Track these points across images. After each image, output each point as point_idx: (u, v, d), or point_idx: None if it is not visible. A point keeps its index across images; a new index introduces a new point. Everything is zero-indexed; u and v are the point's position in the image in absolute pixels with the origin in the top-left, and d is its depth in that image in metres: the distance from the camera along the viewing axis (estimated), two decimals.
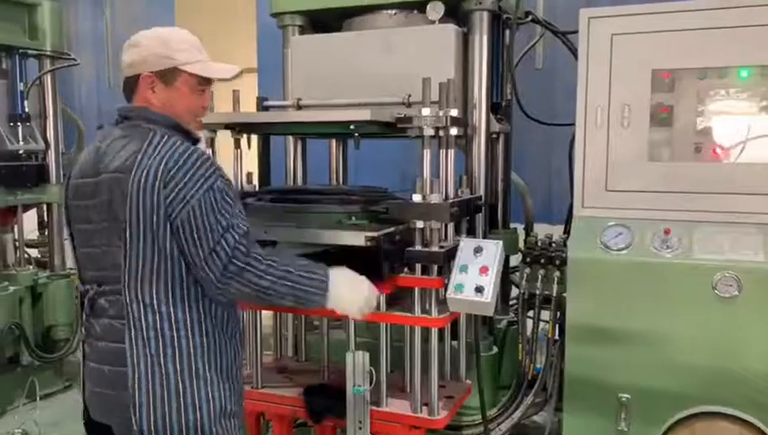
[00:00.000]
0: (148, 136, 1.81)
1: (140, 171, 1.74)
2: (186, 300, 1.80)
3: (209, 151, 2.62)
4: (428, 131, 2.32)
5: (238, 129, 2.71)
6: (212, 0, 6.31)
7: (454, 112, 2.38)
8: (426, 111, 2.31)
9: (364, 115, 2.26)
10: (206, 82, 1.96)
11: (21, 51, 4.24)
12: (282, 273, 1.79)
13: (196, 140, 1.98)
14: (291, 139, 3.14)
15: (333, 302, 1.88)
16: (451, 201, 2.35)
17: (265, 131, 2.90)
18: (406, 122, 2.37)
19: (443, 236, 2.37)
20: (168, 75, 1.90)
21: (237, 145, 2.79)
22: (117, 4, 6.48)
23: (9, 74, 4.28)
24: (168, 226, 1.75)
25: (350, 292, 1.92)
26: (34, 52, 4.28)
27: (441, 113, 2.34)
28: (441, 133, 2.39)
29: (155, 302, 1.77)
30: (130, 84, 1.92)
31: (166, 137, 1.81)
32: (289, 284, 1.80)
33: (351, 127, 2.38)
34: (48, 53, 4.31)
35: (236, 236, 1.76)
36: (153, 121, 1.87)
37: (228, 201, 1.79)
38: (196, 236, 1.75)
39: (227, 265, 1.73)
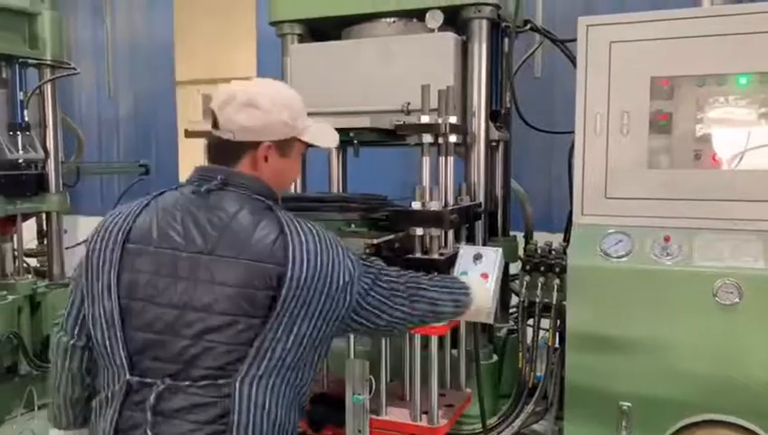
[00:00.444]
0: (276, 216, 1.59)
1: (305, 265, 1.51)
2: (294, 401, 1.60)
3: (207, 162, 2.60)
4: (428, 138, 2.32)
5: None
6: (212, 10, 6.33)
7: (453, 119, 2.38)
8: (425, 119, 2.31)
9: (363, 122, 2.26)
10: (309, 147, 1.79)
11: (21, 60, 4.24)
12: (435, 283, 1.78)
13: None
14: None
15: (475, 302, 1.90)
16: (450, 208, 2.35)
17: None
18: (405, 130, 2.37)
19: (442, 244, 2.36)
20: (286, 145, 1.68)
21: None
22: (117, 14, 6.49)
23: (9, 83, 4.28)
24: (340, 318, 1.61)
25: (480, 290, 1.96)
26: (34, 61, 4.28)
27: (440, 120, 2.34)
28: (440, 140, 2.39)
29: (266, 403, 1.52)
30: (236, 148, 1.65)
31: (282, 211, 1.62)
32: (445, 290, 1.80)
33: (351, 134, 2.37)
34: (48, 62, 4.31)
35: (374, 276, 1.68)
36: (262, 194, 1.64)
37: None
38: (376, 310, 1.66)
39: (405, 300, 1.69)
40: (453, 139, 2.41)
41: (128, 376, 1.53)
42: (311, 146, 1.78)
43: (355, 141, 2.57)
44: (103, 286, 1.58)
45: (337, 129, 2.39)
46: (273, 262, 1.51)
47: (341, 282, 1.57)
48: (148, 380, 1.52)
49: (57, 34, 4.37)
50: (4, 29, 4.10)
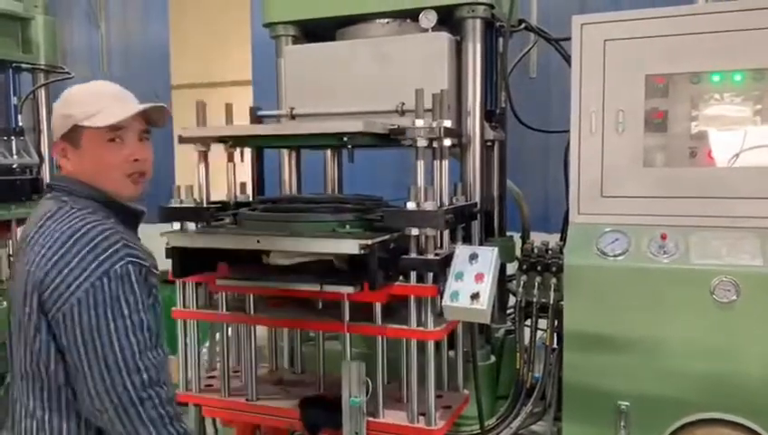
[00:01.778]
0: (54, 208, 1.62)
1: (29, 252, 1.55)
2: (67, 407, 1.56)
3: (201, 167, 2.58)
4: (422, 142, 2.30)
5: (231, 142, 2.70)
6: (207, 13, 6.32)
7: (447, 123, 2.37)
8: (419, 123, 2.30)
9: (357, 127, 2.25)
10: (115, 129, 1.69)
11: (14, 64, 4.23)
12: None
13: (131, 213, 1.76)
14: (285, 149, 3.12)
15: None
16: (446, 208, 2.34)
17: (258, 144, 2.89)
18: (399, 134, 2.35)
19: (438, 244, 2.35)
20: (75, 137, 1.69)
21: (231, 159, 2.78)
22: (112, 18, 6.48)
23: (3, 88, 4.27)
24: (45, 324, 1.52)
25: None
26: (28, 65, 4.27)
27: (435, 124, 2.32)
28: (435, 144, 2.37)
29: (31, 405, 1.57)
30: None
31: (73, 210, 1.61)
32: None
33: (344, 139, 2.36)
34: (42, 66, 4.30)
35: (144, 377, 1.50)
36: (71, 192, 1.67)
37: (131, 294, 1.52)
38: (81, 347, 1.49)
39: (127, 409, 1.49)
40: (447, 142, 2.40)
41: None
42: (117, 128, 1.70)
43: (349, 146, 2.56)
44: None
45: (330, 133, 2.39)
46: None
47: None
48: None
49: (51, 39, 4.36)
50: None
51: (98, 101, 1.69)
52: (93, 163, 1.70)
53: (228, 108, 2.80)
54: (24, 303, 1.55)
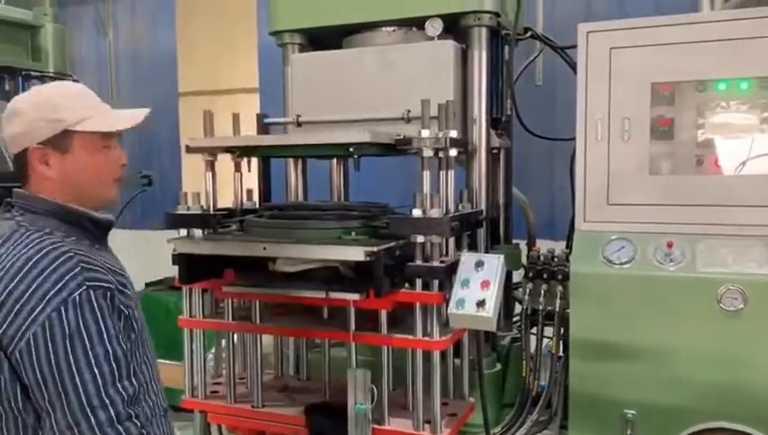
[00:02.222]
0: (8, 232, 1.52)
1: None
2: None
3: (209, 175, 2.59)
4: (428, 153, 2.31)
5: (238, 152, 2.71)
6: (214, 21, 6.36)
7: (453, 133, 2.37)
8: (425, 133, 2.30)
9: (363, 137, 2.26)
10: (109, 136, 1.65)
11: (24, 72, 4.29)
12: None
13: (101, 225, 1.64)
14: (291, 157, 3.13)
15: None
16: (451, 215, 2.34)
17: (265, 154, 2.90)
18: (405, 144, 2.36)
19: (444, 251, 2.35)
20: (63, 142, 1.58)
21: (238, 168, 2.79)
22: (120, 26, 6.54)
23: (11, 95, 4.31)
24: (6, 362, 1.40)
25: None
26: (37, 73, 4.33)
27: (441, 134, 2.32)
28: (441, 154, 2.37)
29: None
30: (19, 163, 1.61)
31: (28, 233, 1.50)
32: None
33: (351, 149, 2.37)
34: (51, 74, 4.36)
35: (111, 413, 1.38)
36: (29, 210, 1.56)
37: (93, 323, 1.40)
38: (42, 384, 1.38)
39: None
40: (453, 152, 2.40)
41: None
42: (110, 134, 1.65)
43: (355, 157, 2.58)
44: None
45: (337, 144, 2.40)
46: None
47: None
48: None
49: (60, 47, 4.42)
50: (6, 41, 4.14)
51: (87, 105, 1.64)
52: (85, 169, 1.61)
53: (235, 118, 2.82)
54: None
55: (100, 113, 1.65)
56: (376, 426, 2.35)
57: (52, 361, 1.38)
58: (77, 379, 1.38)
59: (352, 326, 2.35)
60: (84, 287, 1.42)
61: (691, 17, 2.53)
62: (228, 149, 2.67)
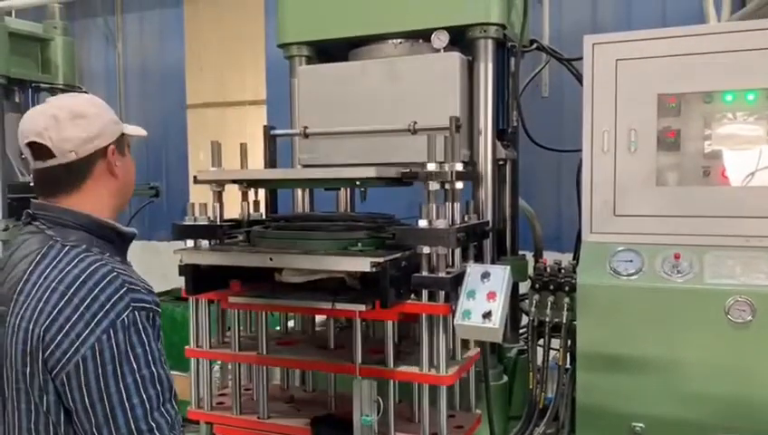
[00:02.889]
0: (42, 247, 1.48)
1: (22, 304, 1.40)
2: None
3: (216, 206, 2.58)
4: (434, 186, 2.31)
5: (245, 184, 2.75)
6: (222, 34, 6.41)
7: (459, 167, 2.37)
8: (431, 166, 2.30)
9: (369, 173, 2.27)
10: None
11: (34, 84, 4.32)
12: None
13: (125, 237, 1.64)
14: (297, 166, 3.14)
15: None
16: (457, 226, 2.34)
17: (272, 187, 2.93)
18: (411, 177, 2.37)
19: (450, 262, 2.35)
20: (120, 144, 1.64)
21: (245, 198, 2.82)
22: (129, 39, 6.60)
23: (22, 107, 4.35)
24: (51, 384, 1.37)
25: None
26: (47, 85, 4.36)
27: (447, 168, 2.32)
28: (447, 186, 2.37)
29: None
30: (79, 169, 1.56)
31: (66, 249, 1.46)
32: None
33: (357, 183, 2.39)
34: (60, 86, 4.40)
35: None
36: (58, 223, 1.52)
37: (140, 345, 1.39)
38: (89, 408, 1.36)
39: None
40: (459, 185, 2.39)
41: None
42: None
43: (362, 189, 2.61)
44: None
45: (343, 178, 2.41)
46: None
47: None
48: None
49: (69, 59, 4.46)
50: (17, 54, 4.18)
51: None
52: (130, 170, 1.69)
53: (243, 149, 2.84)
54: (24, 362, 1.39)
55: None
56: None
57: (102, 384, 1.36)
58: (126, 403, 1.37)
59: (359, 359, 2.34)
60: (131, 309, 1.40)
61: (697, 29, 2.53)
62: (234, 181, 2.71)
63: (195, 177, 2.60)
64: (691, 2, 3.83)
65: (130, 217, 5.45)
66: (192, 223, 2.54)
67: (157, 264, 5.95)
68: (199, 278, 2.45)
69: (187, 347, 2.63)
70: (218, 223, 2.58)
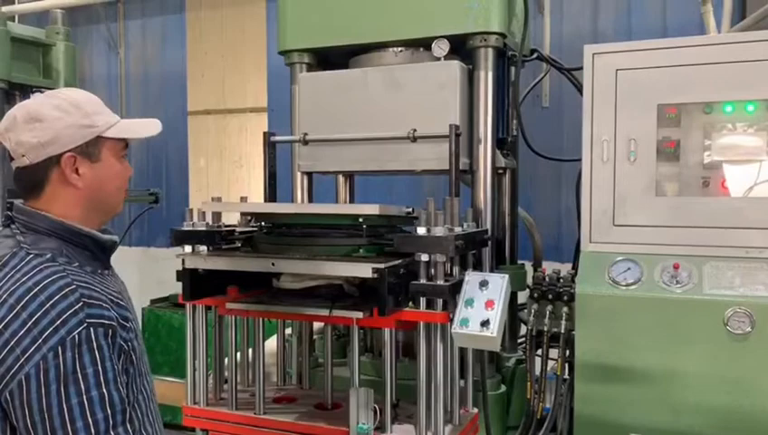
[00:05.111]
0: (7, 253, 1.42)
1: None
2: None
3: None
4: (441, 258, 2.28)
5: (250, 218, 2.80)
6: (224, 41, 6.43)
7: (459, 230, 2.35)
8: (438, 231, 2.25)
9: (373, 209, 2.27)
10: (125, 145, 1.62)
11: (35, 89, 4.33)
12: None
13: (106, 247, 1.57)
14: (297, 173, 3.14)
15: None
16: (456, 234, 2.33)
17: (275, 221, 2.90)
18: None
19: (448, 271, 2.34)
20: (92, 149, 1.52)
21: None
22: (131, 45, 6.62)
23: None
24: None
25: None
26: (48, 90, 4.36)
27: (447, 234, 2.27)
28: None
29: None
30: (35, 174, 1.49)
31: (29, 258, 1.39)
32: None
33: (360, 220, 2.38)
34: None
35: None
36: (32, 229, 1.47)
37: (92, 365, 1.30)
38: (31, 429, 1.28)
39: None
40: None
41: None
42: (127, 143, 1.62)
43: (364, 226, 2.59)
44: None
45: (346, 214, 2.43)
46: None
47: None
48: None
49: (71, 65, 4.47)
50: (19, 59, 4.19)
51: (109, 112, 1.59)
52: (112, 178, 1.57)
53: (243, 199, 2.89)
54: None
55: (119, 121, 1.60)
56: (378, 433, 2.30)
57: (44, 404, 1.28)
58: (68, 426, 1.28)
59: (356, 370, 2.35)
60: (85, 325, 1.32)
61: (697, 40, 2.54)
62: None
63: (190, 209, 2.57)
64: (691, 13, 3.85)
65: (130, 223, 5.46)
66: (191, 228, 2.54)
67: (156, 270, 5.96)
68: (197, 284, 2.44)
69: (184, 406, 2.59)
70: (217, 229, 2.57)
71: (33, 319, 1.30)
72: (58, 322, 1.30)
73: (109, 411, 1.32)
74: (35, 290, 1.33)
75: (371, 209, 2.28)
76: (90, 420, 1.30)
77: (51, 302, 1.32)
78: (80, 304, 1.34)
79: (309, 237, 2.47)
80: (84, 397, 1.29)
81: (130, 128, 1.61)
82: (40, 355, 1.28)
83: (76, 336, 1.30)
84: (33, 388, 1.27)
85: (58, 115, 1.49)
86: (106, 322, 1.37)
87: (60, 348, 1.28)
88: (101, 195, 1.56)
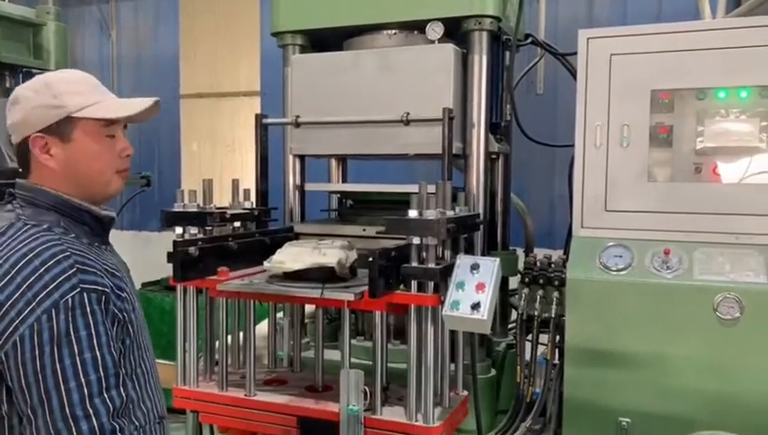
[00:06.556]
0: (6, 224, 1.46)
1: None
2: None
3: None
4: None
5: None
6: (217, 24, 6.38)
7: (451, 213, 2.36)
8: (430, 214, 2.23)
9: (371, 232, 2.30)
10: (112, 125, 1.59)
11: (25, 69, 4.29)
12: None
13: (102, 221, 1.60)
14: (289, 156, 3.12)
15: None
16: (447, 217, 2.33)
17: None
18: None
19: (440, 254, 2.34)
20: (65, 129, 1.52)
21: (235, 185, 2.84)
22: (123, 27, 6.55)
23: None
24: None
25: None
26: (38, 70, 4.32)
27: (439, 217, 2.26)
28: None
29: None
30: (22, 154, 1.56)
31: (26, 227, 1.44)
32: None
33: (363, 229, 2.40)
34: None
35: (94, 424, 1.32)
36: (31, 203, 1.51)
37: (84, 328, 1.34)
38: (25, 389, 1.33)
39: None
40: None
41: None
42: (114, 122, 1.59)
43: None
44: None
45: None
46: None
47: None
48: None
49: (62, 45, 4.43)
50: (9, 39, 4.15)
51: (91, 91, 1.58)
52: (88, 158, 1.56)
53: (235, 183, 2.86)
54: None
55: (102, 100, 1.58)
56: (368, 415, 2.31)
57: (38, 365, 1.32)
58: (62, 386, 1.32)
59: (347, 351, 2.35)
60: (78, 290, 1.36)
61: (692, 25, 2.53)
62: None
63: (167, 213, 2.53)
64: None
65: (121, 206, 5.43)
66: (181, 210, 2.52)
67: (148, 253, 5.94)
68: (188, 265, 2.43)
69: (174, 386, 2.59)
70: (208, 210, 2.56)
71: (27, 283, 1.34)
72: (51, 286, 1.34)
73: (102, 374, 1.36)
74: (30, 256, 1.37)
75: (370, 232, 2.42)
76: (83, 380, 1.33)
77: (45, 267, 1.36)
78: (73, 270, 1.38)
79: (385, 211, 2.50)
80: (77, 358, 1.33)
81: (109, 108, 1.58)
82: (34, 317, 1.32)
83: (69, 300, 1.34)
84: (27, 349, 1.32)
85: (29, 96, 1.53)
86: (99, 288, 1.41)
87: (53, 311, 1.33)
88: (79, 176, 1.56)
